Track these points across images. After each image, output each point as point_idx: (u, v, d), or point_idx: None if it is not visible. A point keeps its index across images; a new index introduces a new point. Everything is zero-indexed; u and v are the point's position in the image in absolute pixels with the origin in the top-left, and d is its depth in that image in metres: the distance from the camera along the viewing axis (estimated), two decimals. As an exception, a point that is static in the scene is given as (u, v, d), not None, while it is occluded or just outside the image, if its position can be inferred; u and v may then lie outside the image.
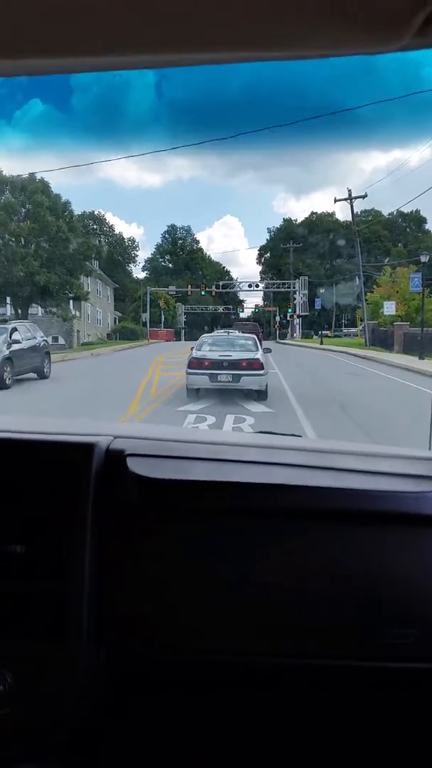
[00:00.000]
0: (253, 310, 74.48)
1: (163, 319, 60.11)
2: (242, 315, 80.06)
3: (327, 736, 1.24)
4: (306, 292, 46.82)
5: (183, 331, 68.09)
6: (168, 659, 1.12)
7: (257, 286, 48.67)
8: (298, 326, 47.16)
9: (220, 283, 50.02)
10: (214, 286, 48.67)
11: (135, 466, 1.10)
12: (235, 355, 10.60)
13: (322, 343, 34.21)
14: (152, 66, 0.57)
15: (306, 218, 71.53)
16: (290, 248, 49.99)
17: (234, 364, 10.26)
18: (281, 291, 50.23)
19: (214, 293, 49.21)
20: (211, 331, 30.97)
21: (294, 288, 47.63)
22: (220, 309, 73.69)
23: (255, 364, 10.31)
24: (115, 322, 49.49)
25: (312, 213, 74.40)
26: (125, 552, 1.09)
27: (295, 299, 46.85)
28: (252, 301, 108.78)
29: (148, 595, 1.08)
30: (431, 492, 1.09)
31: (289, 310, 47.13)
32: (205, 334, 14.85)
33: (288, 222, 78.71)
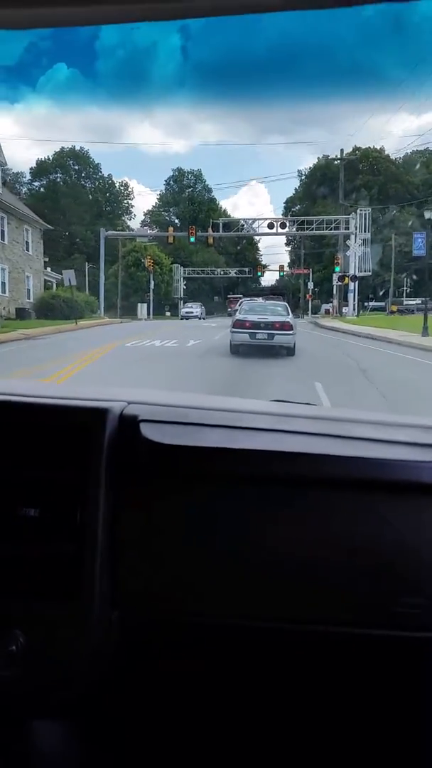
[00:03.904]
0: (278, 274, 57.30)
1: (152, 286, 42.73)
2: (263, 282, 63.91)
3: (332, 702, 1.27)
4: (368, 236, 28.03)
5: (181, 302, 50.92)
6: (179, 621, 1.15)
7: (282, 226, 29.69)
8: (352, 296, 28.54)
9: (220, 221, 31.51)
10: (210, 228, 30.26)
11: (148, 431, 1.10)
12: (270, 318, 13.38)
13: None
14: (156, 17, 0.57)
15: (348, 154, 52.59)
16: (341, 161, 30.94)
17: (269, 325, 13.07)
18: (323, 234, 31.43)
19: (211, 241, 30.96)
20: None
21: (346, 227, 28.65)
22: (233, 272, 56.49)
23: (286, 326, 13.12)
24: (54, 286, 31.72)
25: (355, 149, 55.56)
26: (137, 516, 1.10)
27: (346, 250, 28.19)
28: (276, 259, 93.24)
29: (160, 558, 1.10)
30: None
31: (336, 269, 28.52)
32: (246, 300, 17.76)
33: (325, 161, 60.76)
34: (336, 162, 46.20)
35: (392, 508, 1.07)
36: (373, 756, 1.26)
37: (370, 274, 29.76)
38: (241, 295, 51.56)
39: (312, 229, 29.05)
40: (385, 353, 14.88)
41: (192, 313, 39.98)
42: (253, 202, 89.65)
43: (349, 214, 28.81)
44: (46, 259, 36.72)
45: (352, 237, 27.55)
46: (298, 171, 66.13)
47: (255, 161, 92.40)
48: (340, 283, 28.68)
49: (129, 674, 1.23)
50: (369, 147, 57.48)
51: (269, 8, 0.55)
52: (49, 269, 34.85)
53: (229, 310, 48.66)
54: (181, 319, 38.35)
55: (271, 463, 1.09)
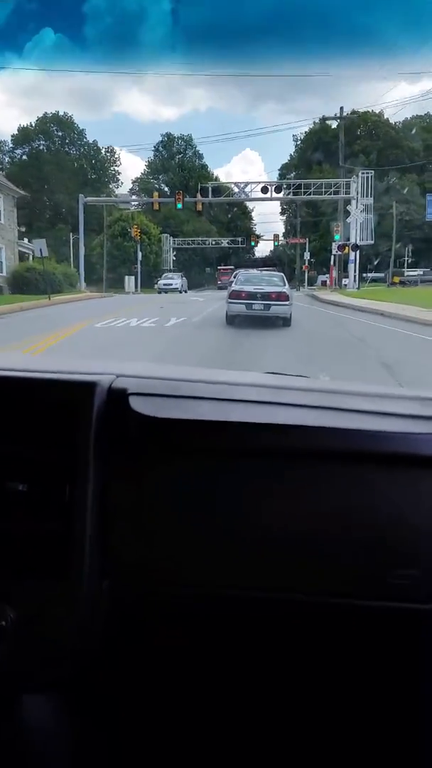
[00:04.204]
0: (272, 244, 54.73)
1: (139, 258, 40.31)
2: (257, 253, 61.28)
3: (329, 674, 1.28)
4: (370, 201, 25.61)
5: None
6: (172, 594, 1.15)
7: (278, 190, 27.04)
8: (353, 267, 26.18)
9: (209, 185, 28.80)
10: (199, 193, 27.75)
11: (138, 405, 1.09)
12: (267, 289, 13.18)
13: None
14: None
15: (345, 116, 49.53)
16: (341, 119, 28.24)
17: (265, 296, 12.86)
18: (322, 200, 29.07)
19: (200, 207, 28.48)
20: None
21: (346, 192, 26.23)
22: (225, 242, 53.93)
23: (282, 296, 12.95)
24: (31, 258, 29.29)
25: (353, 111, 52.55)
26: (128, 491, 1.10)
27: (346, 216, 25.80)
28: (270, 228, 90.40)
29: (151, 533, 1.10)
30: None
31: (336, 237, 26.17)
32: (242, 271, 17.11)
33: (321, 124, 57.77)
34: (334, 124, 43.53)
35: (388, 481, 1.07)
36: (371, 728, 1.26)
37: (372, 242, 27.40)
38: (232, 267, 49.47)
39: (309, 194, 26.60)
40: (413, 338, 11.46)
41: (171, 285, 35.27)
42: (247, 170, 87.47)
43: (350, 178, 26.38)
44: (22, 229, 34.22)
45: (353, 202, 25.23)
46: (293, 136, 63.06)
47: (249, 127, 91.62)
48: (339, 252, 26.22)
49: (121, 648, 1.23)
50: (368, 111, 54.69)
51: None
52: (26, 240, 32.29)
53: (219, 282, 46.31)
54: (159, 292, 34.06)
55: (265, 436, 1.08)
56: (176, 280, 35.98)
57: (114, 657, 1.22)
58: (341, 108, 28.37)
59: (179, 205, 27.37)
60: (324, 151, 50.30)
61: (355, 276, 26.67)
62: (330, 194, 26.33)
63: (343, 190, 25.74)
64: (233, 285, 14.04)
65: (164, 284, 35.43)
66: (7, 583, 1.07)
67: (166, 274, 39.28)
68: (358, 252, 25.51)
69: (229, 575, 1.09)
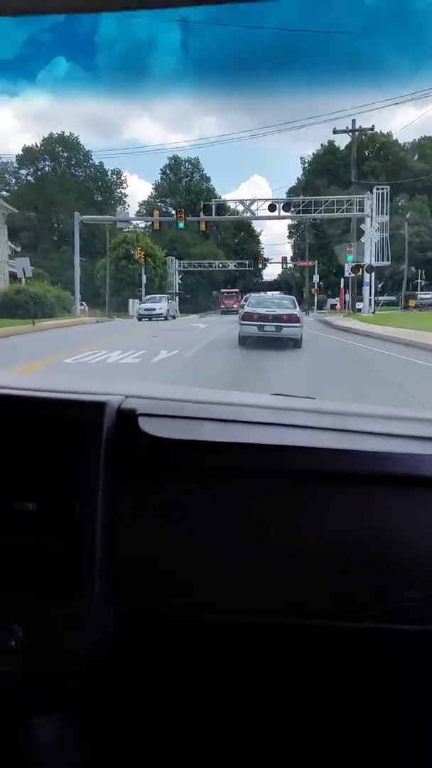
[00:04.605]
0: (280, 267, 53.31)
1: (143, 281, 38.92)
2: (265, 276, 59.90)
3: (333, 696, 1.28)
4: (386, 219, 23.88)
5: (177, 298, 47.00)
6: (179, 617, 1.15)
7: (286, 208, 24.97)
8: (368, 289, 24.34)
9: (212, 202, 27.09)
10: (202, 212, 26.15)
11: (146, 425, 1.11)
12: (278, 311, 13.43)
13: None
14: (155, 5, 0.56)
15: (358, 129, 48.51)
16: (354, 132, 26.69)
17: (277, 318, 13.14)
18: (332, 219, 27.50)
19: (203, 227, 26.92)
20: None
21: (360, 208, 24.50)
22: (232, 265, 52.51)
23: (293, 318, 13.24)
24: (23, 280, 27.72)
25: (360, 129, 51.38)
26: (136, 511, 1.11)
27: (360, 235, 24.09)
28: (278, 250, 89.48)
29: (159, 553, 1.11)
30: None
31: (349, 258, 24.45)
32: (253, 294, 17.35)
33: (330, 147, 56.81)
34: (342, 146, 42.34)
35: (393, 502, 1.07)
36: (373, 749, 1.26)
37: (388, 263, 25.55)
38: (237, 290, 48.19)
39: (320, 212, 24.98)
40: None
41: (153, 310, 28.03)
42: (255, 194, 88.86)
43: (363, 194, 24.75)
44: (18, 248, 32.86)
45: (367, 220, 23.57)
46: (301, 158, 62.15)
47: (257, 154, 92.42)
48: (353, 274, 24.33)
49: (129, 670, 1.22)
50: (376, 131, 53.73)
51: None
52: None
53: (222, 306, 44.74)
54: (139, 319, 27.72)
55: (271, 457, 1.08)
56: (161, 305, 28.90)
57: (122, 678, 1.20)
58: (353, 120, 26.79)
59: (180, 224, 25.92)
60: (332, 173, 49.29)
61: (370, 300, 24.87)
62: (342, 212, 24.69)
63: (356, 207, 24.10)
64: (246, 307, 14.44)
65: (146, 310, 28.31)
66: (17, 601, 1.06)
67: (147, 297, 32.16)
68: (373, 274, 23.77)
69: (234, 598, 1.08)
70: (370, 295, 24.93)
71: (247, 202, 24.93)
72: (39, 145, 59.86)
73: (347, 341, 15.62)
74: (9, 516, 1.07)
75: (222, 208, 25.45)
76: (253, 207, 25.32)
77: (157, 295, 32.32)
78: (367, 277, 23.78)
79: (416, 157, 55.46)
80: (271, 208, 24.25)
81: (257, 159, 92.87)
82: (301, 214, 25.33)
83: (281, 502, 1.07)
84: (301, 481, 1.07)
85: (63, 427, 1.10)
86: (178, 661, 1.23)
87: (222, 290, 47.62)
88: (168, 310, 28.62)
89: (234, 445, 1.08)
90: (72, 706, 1.20)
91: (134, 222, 45.90)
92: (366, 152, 53.29)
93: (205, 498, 1.07)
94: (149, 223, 46.87)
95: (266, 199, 25.01)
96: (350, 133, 26.74)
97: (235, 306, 41.96)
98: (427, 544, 1.04)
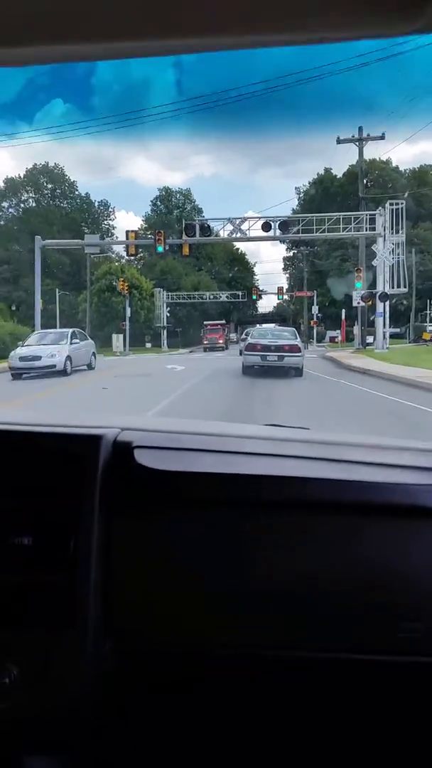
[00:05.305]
0: (276, 298, 50.10)
1: (128, 314, 35.42)
2: (260, 309, 56.52)
3: (335, 729, 1.27)
4: (402, 239, 20.33)
5: (164, 332, 43.43)
6: (174, 650, 1.15)
7: (283, 227, 21.36)
8: (381, 321, 20.64)
9: (196, 222, 23.48)
10: (184, 233, 22.63)
11: (142, 457, 1.12)
12: (280, 342, 14.38)
13: None
14: (154, 53, 0.58)
15: (350, 168, 46.36)
16: (360, 141, 23.39)
17: (279, 348, 14.09)
18: (331, 248, 24.00)
19: (186, 251, 23.40)
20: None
21: (371, 227, 20.91)
22: (224, 296, 49.15)
23: (294, 348, 14.23)
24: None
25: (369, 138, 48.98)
26: (132, 543, 1.12)
27: (370, 258, 20.58)
28: (274, 280, 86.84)
29: (155, 586, 1.10)
30: None
31: (358, 285, 20.90)
32: (256, 327, 19.15)
33: (327, 175, 54.45)
34: (340, 174, 39.75)
35: (387, 531, 1.07)
36: None
37: (406, 291, 22.04)
38: (222, 322, 44.30)
39: (323, 231, 21.53)
40: None
41: (37, 360, 15.47)
42: (250, 231, 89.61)
43: (374, 211, 21.36)
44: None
45: (379, 240, 20.11)
46: (296, 188, 59.74)
47: (252, 191, 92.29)
48: (362, 303, 20.96)
49: (125, 705, 1.22)
50: (375, 159, 51.32)
51: (265, 44, 0.55)
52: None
53: (205, 342, 39.76)
54: (12, 377, 15.53)
55: (266, 488, 1.09)
56: (53, 349, 16.04)
57: (117, 714, 1.20)
58: (360, 128, 23.57)
59: (159, 248, 22.52)
60: (329, 201, 46.71)
61: (384, 332, 21.21)
62: (349, 231, 21.25)
63: (365, 226, 20.69)
64: (249, 339, 15.56)
65: (22, 359, 15.70)
66: (10, 638, 1.06)
67: (35, 334, 18.63)
68: (387, 303, 20.12)
69: (231, 631, 1.07)
70: (384, 327, 21.22)
71: (237, 221, 21.45)
72: (22, 177, 57.46)
73: (375, 392, 10.88)
74: (4, 551, 1.05)
75: (207, 228, 21.92)
76: (245, 227, 21.86)
77: (53, 331, 19.29)
78: (380, 306, 20.16)
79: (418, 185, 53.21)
80: (266, 227, 20.88)
81: (252, 194, 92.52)
82: (300, 234, 21.81)
83: (278, 533, 1.06)
84: (296, 511, 1.07)
85: (59, 460, 1.09)
86: (178, 696, 1.18)
87: (205, 323, 42.13)
88: (69, 359, 16.01)
89: (230, 476, 1.08)
90: (66, 744, 1.15)
91: (121, 253, 42.85)
92: (365, 181, 51.02)
93: (201, 530, 1.07)
94: (140, 253, 44.05)
95: (260, 217, 21.61)
96: (356, 143, 23.46)
97: (220, 341, 38.07)
98: (425, 574, 1.04)
